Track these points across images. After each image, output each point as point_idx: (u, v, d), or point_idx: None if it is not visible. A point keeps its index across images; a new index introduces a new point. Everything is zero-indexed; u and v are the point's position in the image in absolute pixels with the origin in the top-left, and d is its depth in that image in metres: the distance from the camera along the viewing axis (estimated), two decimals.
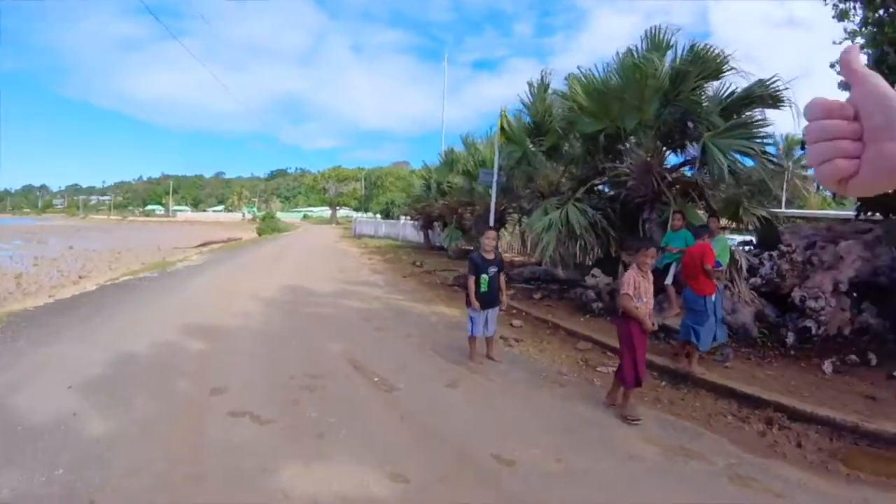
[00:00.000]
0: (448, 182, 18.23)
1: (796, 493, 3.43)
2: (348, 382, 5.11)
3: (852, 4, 8.14)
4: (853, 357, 5.79)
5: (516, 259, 16.10)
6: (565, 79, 9.00)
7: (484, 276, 5.73)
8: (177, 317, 7.65)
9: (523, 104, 10.88)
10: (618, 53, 8.01)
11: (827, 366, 5.60)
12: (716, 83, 7.41)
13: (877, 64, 6.89)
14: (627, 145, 8.25)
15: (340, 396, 4.74)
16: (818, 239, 6.46)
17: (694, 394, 5.33)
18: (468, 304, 5.82)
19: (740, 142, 6.42)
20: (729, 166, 6.35)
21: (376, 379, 5.20)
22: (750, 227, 7.23)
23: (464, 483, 3.38)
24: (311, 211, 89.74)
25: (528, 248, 13.20)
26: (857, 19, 8.32)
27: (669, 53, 7.61)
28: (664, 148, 8.05)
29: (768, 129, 6.67)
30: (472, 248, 17.41)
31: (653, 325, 4.55)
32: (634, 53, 7.70)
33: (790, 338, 6.00)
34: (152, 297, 9.38)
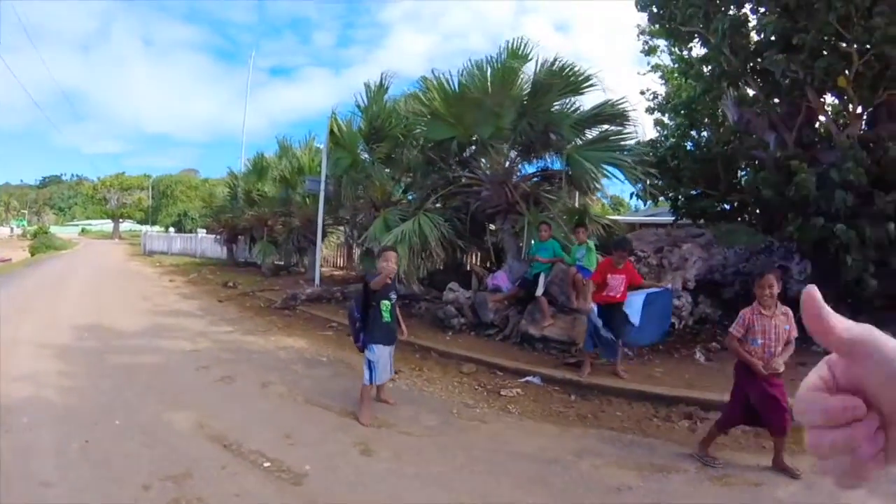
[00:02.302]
0: (258, 191, 16.40)
1: (767, 476, 3.61)
2: (232, 479, 3.50)
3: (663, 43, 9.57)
4: (714, 344, 6.47)
5: (336, 274, 15.00)
6: (418, 81, 8.41)
7: (385, 303, 4.65)
8: None
9: (358, 107, 10.02)
10: (471, 60, 7.74)
11: (698, 356, 6.17)
12: (566, 99, 7.58)
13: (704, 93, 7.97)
14: (472, 154, 8.01)
15: None
16: (664, 244, 7.10)
17: (607, 402, 5.21)
18: (364, 341, 4.68)
19: (609, 154, 6.67)
20: (593, 177, 6.51)
21: (266, 464, 3.72)
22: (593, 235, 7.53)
23: None
24: (91, 224, 74.82)
25: (357, 262, 12.28)
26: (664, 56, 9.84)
27: (529, 65, 7.59)
28: (519, 158, 8.01)
29: (629, 143, 7.04)
30: (282, 263, 15.84)
31: (776, 367, 3.59)
32: (495, 63, 7.47)
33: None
34: None
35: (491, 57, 7.58)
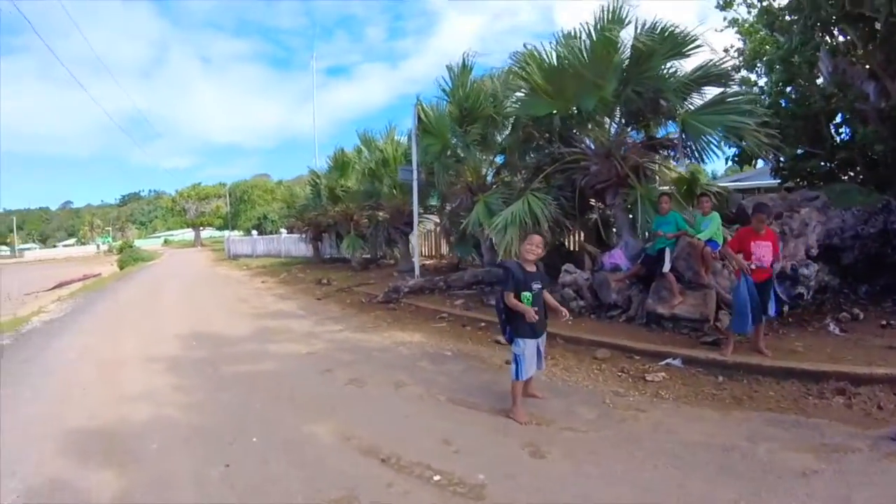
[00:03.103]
0: (342, 186, 16.74)
1: None
2: (404, 499, 3.29)
3: None
4: (844, 315, 6.43)
5: (427, 263, 15.20)
6: (510, 57, 8.23)
7: (527, 294, 4.44)
8: (49, 419, 4.96)
9: (444, 91, 10.02)
10: (562, 30, 7.66)
11: (832, 327, 6.14)
12: (671, 63, 7.33)
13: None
14: (572, 128, 7.86)
15: None
16: (781, 209, 6.95)
17: (755, 381, 5.22)
18: (510, 334, 4.57)
19: (728, 117, 6.49)
20: (714, 142, 6.34)
21: (436, 477, 3.53)
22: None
23: None
24: (172, 235, 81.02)
25: (449, 249, 12.35)
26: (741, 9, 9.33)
27: (628, 30, 7.29)
28: (627, 129, 7.86)
29: (746, 105, 6.73)
30: (369, 256, 16.37)
31: None
32: (592, 32, 7.29)
33: (785, 307, 6.28)
34: (5, 386, 6.12)
35: (587, 24, 7.39)
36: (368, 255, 16.55)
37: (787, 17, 8.14)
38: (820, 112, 7.78)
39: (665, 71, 7.41)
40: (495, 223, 7.73)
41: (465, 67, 9.82)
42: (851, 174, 8.02)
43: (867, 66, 7.35)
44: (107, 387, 5.89)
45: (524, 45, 7.89)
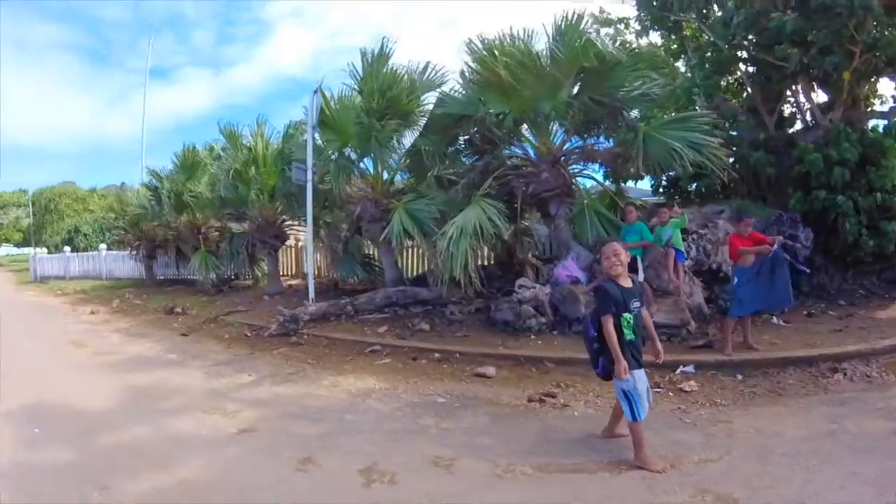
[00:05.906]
0: (191, 191, 13.97)
1: None
2: None
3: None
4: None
5: (294, 283, 13.86)
6: (466, 42, 7.67)
7: (626, 316, 3.89)
8: None
9: (355, 79, 8.67)
10: (511, 28, 7.35)
11: (775, 320, 7.29)
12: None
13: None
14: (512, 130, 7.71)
15: None
16: (701, 221, 7.93)
17: (766, 374, 5.75)
18: (604, 367, 4.02)
19: (697, 134, 7.03)
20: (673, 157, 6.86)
21: None
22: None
23: None
24: None
25: (333, 266, 10.88)
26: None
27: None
28: (573, 137, 7.88)
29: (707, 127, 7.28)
30: (215, 277, 14.06)
31: None
32: (555, 32, 7.21)
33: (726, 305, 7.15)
34: None
35: (548, 25, 7.36)
36: (214, 276, 14.38)
37: (670, 58, 9.63)
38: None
39: (628, 84, 7.73)
40: (447, 232, 6.97)
41: (383, 54, 8.77)
42: (724, 194, 9.69)
43: (740, 104, 9.11)
44: None
45: (479, 38, 7.52)
